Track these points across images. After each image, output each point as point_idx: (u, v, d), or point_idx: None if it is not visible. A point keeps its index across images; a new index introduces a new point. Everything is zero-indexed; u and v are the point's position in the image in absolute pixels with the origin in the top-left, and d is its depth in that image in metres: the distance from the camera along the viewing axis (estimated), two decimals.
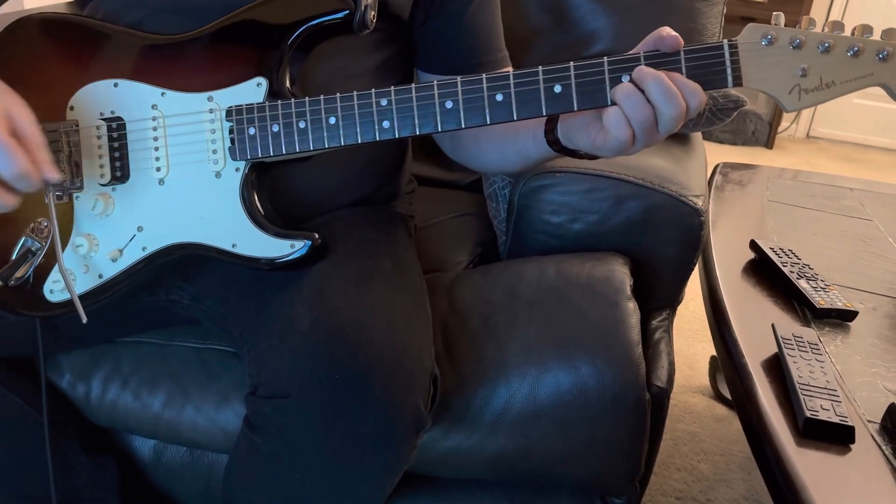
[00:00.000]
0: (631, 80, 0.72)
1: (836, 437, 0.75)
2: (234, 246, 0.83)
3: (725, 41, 0.71)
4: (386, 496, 0.81)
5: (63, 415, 0.99)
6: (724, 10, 1.38)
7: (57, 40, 0.87)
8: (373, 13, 0.82)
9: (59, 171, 0.75)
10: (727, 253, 1.15)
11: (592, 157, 0.81)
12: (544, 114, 0.75)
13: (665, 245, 1.07)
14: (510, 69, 0.99)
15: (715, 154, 3.11)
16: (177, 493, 1.06)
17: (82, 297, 0.84)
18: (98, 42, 0.86)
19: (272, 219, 0.84)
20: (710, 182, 1.45)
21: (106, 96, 0.84)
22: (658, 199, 1.03)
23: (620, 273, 1.00)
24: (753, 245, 1.14)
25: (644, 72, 0.71)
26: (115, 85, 0.84)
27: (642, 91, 0.71)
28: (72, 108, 0.85)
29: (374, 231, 0.96)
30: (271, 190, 0.86)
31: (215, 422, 0.95)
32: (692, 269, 1.10)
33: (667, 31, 0.72)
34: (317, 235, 0.83)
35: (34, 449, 0.93)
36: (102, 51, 0.86)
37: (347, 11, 0.81)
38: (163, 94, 0.84)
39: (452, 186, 1.43)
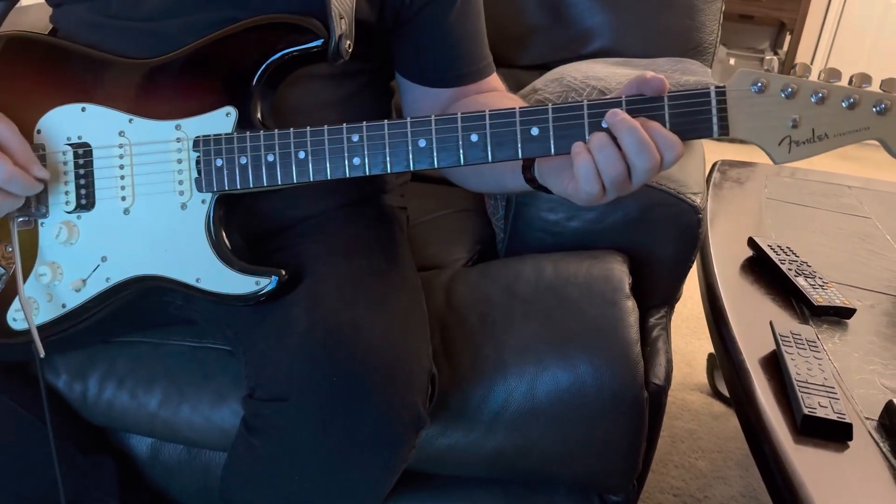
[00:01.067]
0: (606, 129, 0.68)
1: (833, 434, 0.75)
2: (197, 280, 0.81)
3: (712, 86, 0.68)
4: (384, 496, 0.81)
5: (60, 415, 0.99)
6: (723, 7, 1.38)
7: (27, 60, 0.85)
8: (348, 42, 0.80)
9: (45, 170, 0.79)
10: (725, 250, 1.15)
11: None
12: (520, 156, 0.72)
13: (663, 243, 1.07)
14: (494, 77, 0.98)
15: (713, 152, 3.10)
16: (174, 492, 1.06)
17: (45, 327, 0.83)
18: (67, 64, 0.84)
19: (239, 252, 0.81)
20: (708, 180, 1.45)
21: (73, 121, 0.82)
22: (656, 197, 1.03)
23: (618, 271, 1.00)
24: (751, 243, 1.14)
25: (618, 118, 0.67)
26: (83, 109, 0.82)
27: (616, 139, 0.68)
28: (38, 132, 0.83)
29: (365, 229, 0.95)
30: (255, 200, 0.84)
31: (212, 420, 0.95)
32: (690, 267, 1.10)
33: (651, 73, 0.69)
34: (283, 272, 0.80)
35: (31, 451, 0.92)
36: (71, 73, 0.84)
37: (321, 41, 0.79)
38: (130, 120, 0.82)
39: (450, 182, 1.43)
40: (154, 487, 1.06)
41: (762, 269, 1.09)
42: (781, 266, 1.06)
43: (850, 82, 0.66)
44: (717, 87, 0.67)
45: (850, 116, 0.66)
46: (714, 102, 0.67)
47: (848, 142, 0.67)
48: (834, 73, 0.66)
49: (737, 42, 3.77)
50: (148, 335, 1.00)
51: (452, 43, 0.93)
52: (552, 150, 0.72)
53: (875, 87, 0.66)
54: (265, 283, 0.79)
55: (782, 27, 3.79)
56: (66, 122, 0.82)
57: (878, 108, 0.65)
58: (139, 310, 0.96)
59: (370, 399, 0.74)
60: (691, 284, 1.16)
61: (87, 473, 0.99)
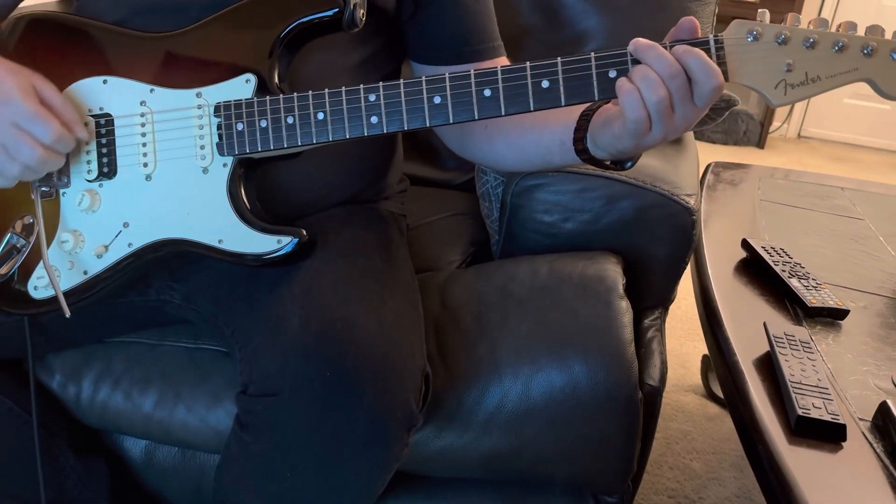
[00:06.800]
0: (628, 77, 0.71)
1: (827, 435, 0.76)
2: (220, 242, 0.82)
3: (711, 37, 0.71)
4: (377, 494, 0.81)
5: (53, 415, 0.98)
6: (717, 10, 1.38)
7: (47, 38, 0.87)
8: (362, 11, 0.83)
9: (86, 131, 0.82)
10: (719, 252, 1.15)
11: (618, 168, 0.81)
12: (532, 109, 0.75)
13: (657, 244, 1.07)
14: (505, 59, 0.99)
15: (707, 154, 3.11)
16: (168, 494, 1.06)
17: (67, 294, 0.84)
18: (88, 39, 0.86)
19: (259, 214, 0.84)
20: (701, 181, 1.45)
21: (95, 93, 0.84)
22: (650, 199, 1.04)
23: (613, 272, 1.00)
24: (745, 244, 1.14)
25: (640, 43, 0.70)
26: (105, 82, 0.84)
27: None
28: None
29: (365, 229, 0.95)
30: (260, 190, 0.86)
31: (207, 422, 0.95)
32: (684, 268, 1.10)
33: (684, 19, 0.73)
34: (304, 232, 0.82)
35: (23, 450, 0.92)
36: (92, 48, 0.86)
37: (337, 10, 0.81)
38: (151, 90, 0.84)
39: (445, 186, 1.43)
40: (148, 490, 1.06)
41: (756, 270, 1.10)
42: (775, 267, 1.06)
43: (838, 30, 0.70)
44: (715, 37, 0.71)
45: (840, 59, 0.70)
46: (713, 50, 0.71)
47: (838, 83, 0.70)
48: (822, 23, 0.71)
49: None
50: (144, 336, 1.00)
51: (467, 16, 0.95)
52: (562, 102, 0.74)
53: (861, 33, 0.70)
54: (286, 241, 0.82)
55: None
56: (88, 95, 0.84)
57: (865, 51, 0.69)
58: (135, 309, 0.96)
59: (362, 395, 0.74)
60: (685, 286, 1.16)
61: (78, 475, 0.99)
